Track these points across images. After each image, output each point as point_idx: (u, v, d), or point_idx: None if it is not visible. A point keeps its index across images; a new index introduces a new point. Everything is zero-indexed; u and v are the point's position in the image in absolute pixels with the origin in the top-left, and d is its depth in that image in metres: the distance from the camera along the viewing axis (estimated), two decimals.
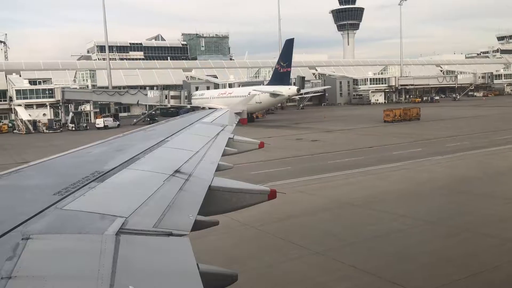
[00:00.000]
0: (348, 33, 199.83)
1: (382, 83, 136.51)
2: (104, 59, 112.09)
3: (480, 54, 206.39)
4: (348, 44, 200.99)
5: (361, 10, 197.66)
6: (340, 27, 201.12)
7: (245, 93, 76.87)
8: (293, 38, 76.00)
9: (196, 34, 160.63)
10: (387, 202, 22.58)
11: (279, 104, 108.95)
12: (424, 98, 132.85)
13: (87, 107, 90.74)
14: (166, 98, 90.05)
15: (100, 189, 4.48)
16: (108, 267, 2.66)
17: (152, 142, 7.69)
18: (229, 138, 9.83)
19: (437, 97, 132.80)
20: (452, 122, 65.43)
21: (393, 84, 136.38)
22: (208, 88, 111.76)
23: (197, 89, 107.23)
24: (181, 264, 3.05)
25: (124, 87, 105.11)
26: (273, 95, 74.80)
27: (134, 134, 9.56)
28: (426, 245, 16.29)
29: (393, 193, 24.30)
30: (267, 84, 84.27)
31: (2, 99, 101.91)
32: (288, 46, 76.93)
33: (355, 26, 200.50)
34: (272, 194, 5.76)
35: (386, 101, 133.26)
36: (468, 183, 26.30)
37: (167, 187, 4.87)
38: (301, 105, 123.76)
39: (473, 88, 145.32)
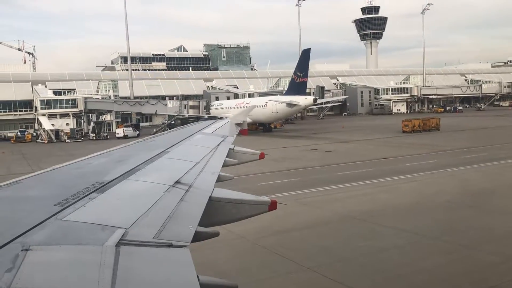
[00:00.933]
0: (371, 42, 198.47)
1: (404, 93, 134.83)
2: (127, 69, 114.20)
3: (507, 63, 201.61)
4: (371, 54, 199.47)
5: (384, 19, 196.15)
6: (363, 37, 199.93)
7: (263, 103, 76.96)
8: (310, 48, 75.81)
9: (218, 45, 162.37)
10: (391, 216, 22.01)
11: (299, 114, 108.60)
12: (447, 108, 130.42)
13: (108, 117, 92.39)
14: (185, 108, 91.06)
15: (101, 200, 4.47)
16: (108, 278, 2.65)
17: (152, 153, 7.70)
18: (229, 149, 9.82)
19: (460, 107, 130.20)
20: (472, 132, 63.83)
21: (415, 93, 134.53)
22: (228, 98, 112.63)
23: (217, 99, 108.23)
24: (182, 275, 3.02)
25: (146, 97, 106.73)
26: (290, 105, 74.56)
27: (135, 145, 9.59)
28: (422, 262, 15.71)
29: (399, 207, 23.70)
30: (284, 94, 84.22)
31: (29, 109, 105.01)
32: (305, 56, 76.74)
33: (378, 36, 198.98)
34: (272, 205, 5.72)
35: (408, 111, 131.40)
36: (479, 197, 25.41)
37: (168, 198, 4.85)
38: (321, 115, 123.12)
39: (498, 97, 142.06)
